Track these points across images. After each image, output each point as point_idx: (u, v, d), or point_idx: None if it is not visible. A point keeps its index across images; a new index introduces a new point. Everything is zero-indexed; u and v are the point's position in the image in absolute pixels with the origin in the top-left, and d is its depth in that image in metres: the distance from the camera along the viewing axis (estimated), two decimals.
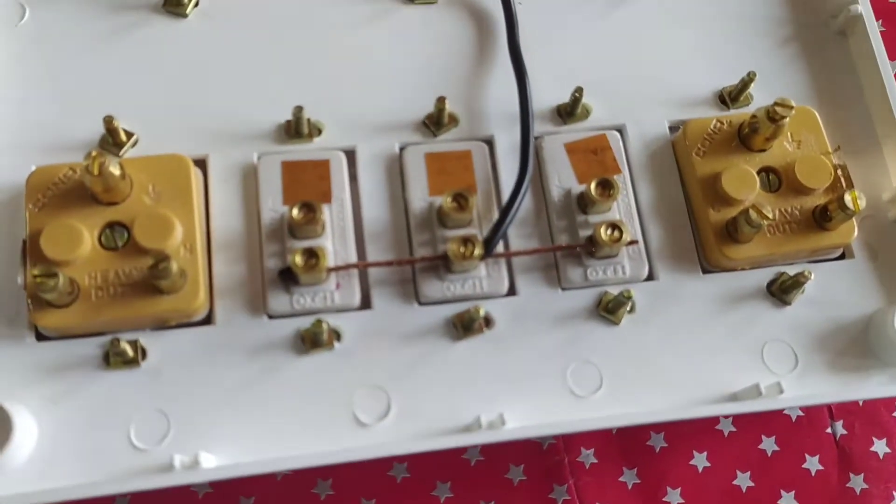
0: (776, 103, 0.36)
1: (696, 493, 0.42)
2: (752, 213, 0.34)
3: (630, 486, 0.42)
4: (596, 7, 0.41)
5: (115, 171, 0.33)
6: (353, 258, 0.35)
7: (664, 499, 0.42)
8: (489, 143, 0.38)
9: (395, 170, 0.38)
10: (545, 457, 0.42)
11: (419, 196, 0.37)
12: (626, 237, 0.35)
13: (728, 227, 0.36)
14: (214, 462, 0.32)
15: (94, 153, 0.32)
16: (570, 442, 0.43)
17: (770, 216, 0.35)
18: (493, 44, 0.40)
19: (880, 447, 0.44)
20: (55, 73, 0.38)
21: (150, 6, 0.39)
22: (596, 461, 0.42)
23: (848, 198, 0.35)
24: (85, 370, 0.33)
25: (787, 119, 0.36)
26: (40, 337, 0.34)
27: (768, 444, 0.43)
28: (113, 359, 0.33)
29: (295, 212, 0.34)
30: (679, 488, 0.42)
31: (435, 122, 0.38)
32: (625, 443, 0.43)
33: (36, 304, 0.32)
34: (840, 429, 0.44)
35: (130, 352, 0.33)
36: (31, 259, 0.33)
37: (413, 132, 0.38)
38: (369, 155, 0.38)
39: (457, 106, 0.38)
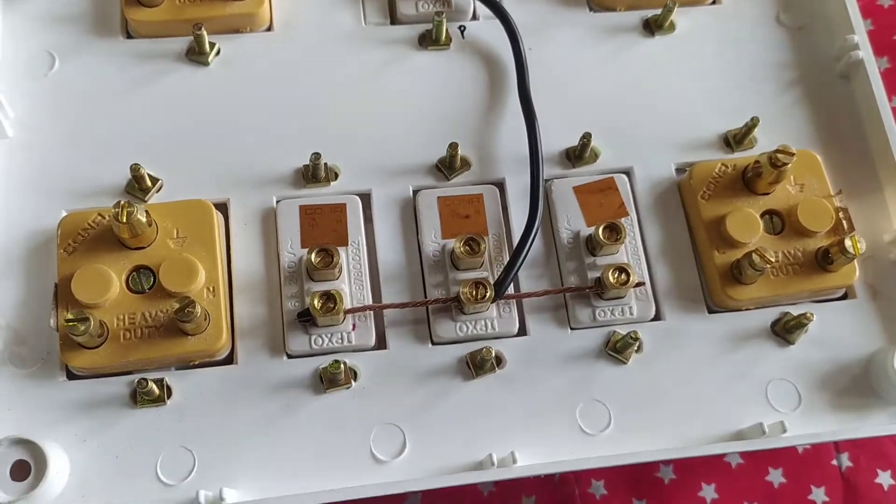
0: (778, 150, 0.37)
1: None
2: (756, 258, 0.35)
3: None
4: (604, 53, 0.43)
5: (142, 217, 0.34)
6: (369, 300, 0.37)
7: None
8: (500, 186, 0.40)
9: (409, 212, 0.39)
10: (557, 489, 0.43)
11: (432, 238, 0.38)
12: (634, 279, 0.36)
13: (732, 269, 0.37)
14: (237, 497, 0.33)
15: (122, 202, 0.34)
16: (581, 474, 0.44)
17: (773, 260, 0.36)
18: (504, 89, 0.42)
19: (885, 479, 0.44)
20: (83, 121, 0.39)
21: (173, 55, 0.41)
22: (606, 493, 0.43)
23: (848, 242, 0.36)
24: (113, 408, 0.35)
25: (789, 165, 0.37)
26: (71, 376, 0.35)
27: (775, 476, 0.44)
28: (140, 397, 0.34)
29: (313, 257, 0.35)
30: None
31: (447, 166, 0.39)
32: (634, 475, 0.44)
33: (67, 346, 0.34)
34: (846, 461, 0.45)
35: (157, 390, 0.34)
36: (62, 302, 0.34)
37: (426, 175, 0.40)
38: (384, 198, 0.39)
39: (469, 150, 0.40)
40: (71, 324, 0.32)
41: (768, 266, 0.36)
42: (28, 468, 0.33)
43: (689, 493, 0.44)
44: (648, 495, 0.44)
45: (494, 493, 0.43)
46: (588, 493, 0.44)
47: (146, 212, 0.35)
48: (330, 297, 0.35)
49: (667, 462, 0.44)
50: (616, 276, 0.36)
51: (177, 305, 0.33)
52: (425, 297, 0.37)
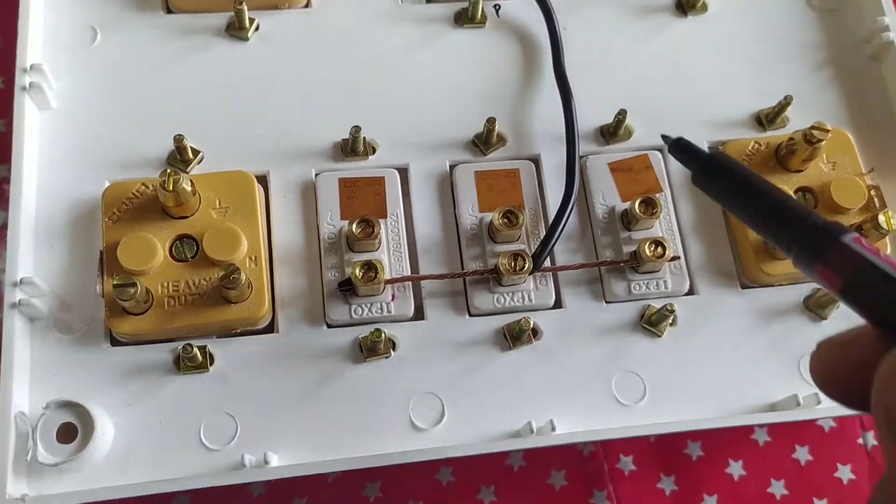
0: (813, 127, 0.37)
1: (732, 500, 0.43)
2: None
3: (668, 493, 0.44)
4: (637, 32, 0.43)
5: (187, 186, 0.35)
6: (408, 271, 0.37)
7: None
8: (535, 161, 0.40)
9: (446, 187, 0.39)
10: (586, 463, 0.44)
11: (469, 212, 0.38)
12: (669, 253, 0.37)
13: (766, 245, 0.38)
14: (281, 461, 0.34)
15: (168, 170, 0.34)
16: (609, 449, 0.44)
17: None
18: (539, 67, 0.42)
19: None
20: (124, 94, 0.40)
21: (213, 30, 0.41)
22: (635, 468, 0.44)
23: (882, 218, 0.36)
24: (157, 374, 0.35)
25: (824, 142, 0.37)
26: (115, 342, 0.36)
27: (802, 454, 0.44)
28: (184, 363, 0.35)
29: (354, 227, 0.36)
30: (715, 495, 0.43)
31: (484, 142, 0.40)
32: (662, 451, 0.44)
33: (113, 312, 0.34)
34: (871, 439, 0.45)
35: (200, 357, 0.35)
36: (108, 269, 0.35)
37: (462, 151, 0.40)
38: (421, 172, 0.40)
39: (504, 126, 0.40)
40: (119, 288, 0.33)
41: None
42: (74, 431, 0.33)
43: (717, 470, 0.44)
44: (676, 471, 0.44)
45: (525, 467, 0.44)
46: (616, 468, 0.44)
47: (191, 181, 0.35)
48: (371, 267, 0.35)
49: (695, 438, 0.45)
50: (652, 249, 0.36)
51: (222, 272, 0.33)
52: (462, 269, 0.38)
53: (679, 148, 0.28)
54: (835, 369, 0.21)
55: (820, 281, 0.22)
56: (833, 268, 0.21)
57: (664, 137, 0.31)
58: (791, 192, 0.38)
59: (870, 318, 0.20)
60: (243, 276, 0.34)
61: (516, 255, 0.36)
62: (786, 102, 0.40)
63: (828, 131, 0.37)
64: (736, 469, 0.44)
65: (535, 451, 0.44)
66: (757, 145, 0.39)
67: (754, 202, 0.25)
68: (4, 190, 0.47)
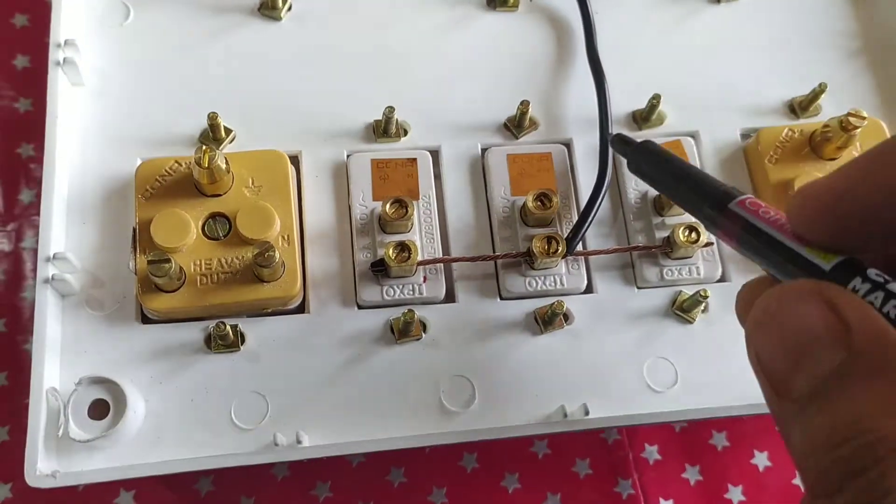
0: (850, 114, 0.37)
1: (757, 491, 0.43)
2: None
3: (692, 483, 0.43)
4: (671, 17, 0.43)
5: (222, 164, 0.35)
6: (440, 253, 0.37)
7: (725, 496, 0.43)
8: (567, 146, 0.40)
9: (478, 170, 0.39)
10: (610, 452, 0.44)
11: (502, 195, 0.38)
12: (703, 239, 0.36)
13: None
14: (313, 441, 0.33)
15: (204, 147, 0.34)
16: (634, 438, 0.44)
17: None
18: (571, 51, 0.42)
19: None
20: (156, 72, 0.40)
21: (246, 9, 0.41)
22: (660, 458, 0.44)
23: None
24: (188, 353, 0.35)
25: (860, 129, 0.37)
26: (146, 320, 0.36)
27: None
28: (215, 342, 0.35)
29: (388, 207, 0.36)
30: (740, 486, 0.43)
31: (516, 125, 0.40)
32: (688, 440, 0.44)
33: (146, 288, 0.34)
34: None
35: (232, 335, 0.35)
36: (141, 246, 0.35)
37: (494, 134, 0.40)
38: (452, 155, 0.39)
39: (536, 110, 0.40)
40: (154, 264, 0.33)
41: None
42: (106, 408, 0.33)
43: (742, 460, 0.44)
44: (701, 461, 0.44)
45: (549, 454, 0.43)
46: (641, 457, 0.44)
47: (225, 159, 0.35)
48: (404, 248, 0.35)
49: (720, 428, 0.44)
50: (686, 234, 0.36)
51: (256, 250, 0.33)
52: (494, 252, 0.37)
53: (617, 140, 0.32)
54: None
55: (724, 241, 0.25)
56: (727, 230, 0.24)
57: (607, 134, 0.37)
58: None
59: (762, 267, 0.23)
60: (277, 254, 0.33)
61: (550, 239, 0.36)
62: (820, 90, 0.40)
63: (864, 118, 0.37)
64: (761, 460, 0.44)
65: (560, 439, 0.43)
66: (791, 132, 0.39)
67: (676, 179, 0.28)
68: (31, 169, 0.47)
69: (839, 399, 0.18)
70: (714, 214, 0.25)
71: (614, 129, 0.39)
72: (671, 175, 0.28)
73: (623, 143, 0.31)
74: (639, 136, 0.40)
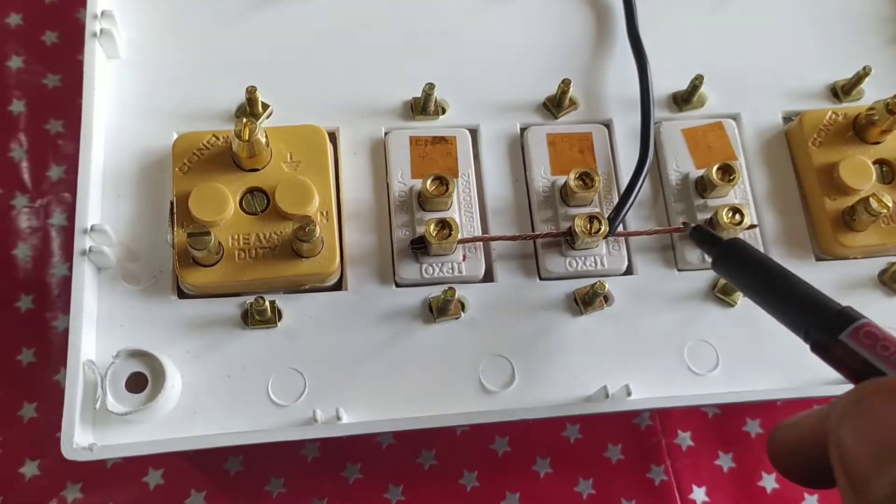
0: None
1: None
2: (873, 202, 0.35)
3: (725, 470, 0.43)
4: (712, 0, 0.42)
5: (262, 137, 0.34)
6: (479, 232, 0.37)
7: (759, 483, 0.43)
8: (608, 126, 0.39)
9: (516, 149, 0.39)
10: (643, 438, 0.43)
11: (542, 174, 0.38)
12: (747, 221, 0.36)
13: (844, 216, 0.37)
14: (352, 418, 0.33)
15: (245, 120, 0.34)
16: (667, 424, 0.43)
17: (889, 205, 0.35)
18: (610, 31, 0.41)
19: None
20: (193, 46, 0.39)
21: None
22: (692, 444, 0.43)
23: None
24: (225, 328, 0.35)
25: None
26: (182, 295, 0.35)
27: None
28: (252, 317, 0.34)
29: (428, 184, 0.35)
30: (774, 474, 0.43)
31: (556, 104, 0.39)
32: (721, 427, 0.44)
33: (184, 262, 0.34)
34: None
35: (269, 311, 0.34)
36: (179, 219, 0.34)
37: (533, 113, 0.39)
38: (491, 134, 0.39)
39: (576, 89, 0.40)
40: (194, 237, 0.32)
41: (885, 211, 0.35)
42: (143, 381, 0.33)
43: None
44: (734, 448, 0.43)
45: (581, 439, 0.43)
46: (674, 443, 0.43)
47: (265, 132, 0.35)
48: (445, 225, 0.35)
49: (754, 416, 0.44)
50: (730, 216, 0.36)
51: (297, 224, 0.33)
52: (534, 232, 0.37)
53: (699, 234, 0.30)
54: (790, 443, 0.22)
55: (830, 366, 0.23)
56: (840, 364, 0.22)
57: (685, 224, 0.34)
58: (870, 164, 0.37)
59: None
60: (318, 229, 0.33)
61: (592, 218, 0.35)
62: (864, 73, 0.40)
63: None
64: None
65: (592, 424, 0.43)
66: (834, 115, 0.39)
67: (771, 286, 0.26)
68: (59, 146, 0.46)
69: None
70: (825, 340, 0.23)
71: (656, 113, 0.39)
72: (767, 280, 0.26)
73: (706, 239, 0.29)
74: (679, 117, 0.39)
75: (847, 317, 0.22)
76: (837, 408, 0.19)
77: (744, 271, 0.27)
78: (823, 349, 0.23)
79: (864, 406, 0.19)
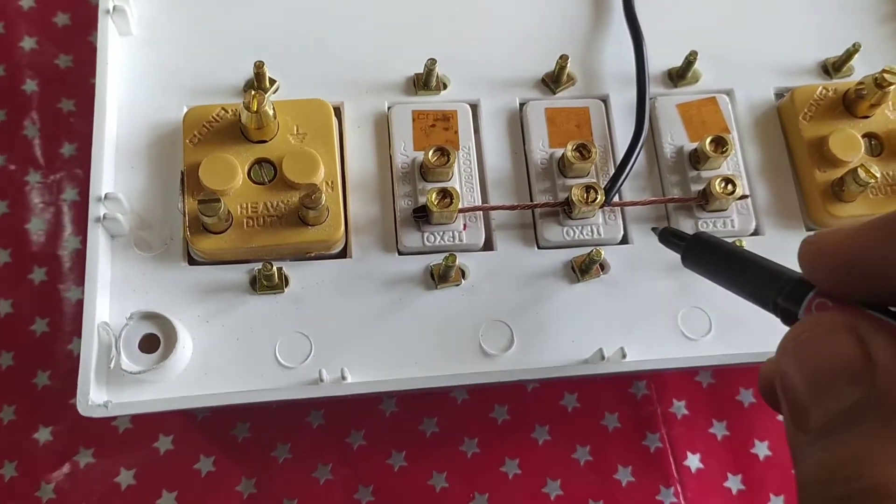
0: (885, 70, 0.38)
1: (783, 446, 0.44)
2: (861, 172, 0.36)
3: (720, 438, 0.44)
4: None
5: (269, 110, 0.35)
6: (479, 202, 0.38)
7: (752, 451, 0.44)
8: (604, 101, 0.40)
9: (515, 124, 0.40)
10: (639, 406, 0.44)
11: (540, 147, 0.39)
12: (739, 191, 0.37)
13: (833, 187, 0.38)
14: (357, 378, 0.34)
15: (253, 92, 0.35)
16: (662, 393, 0.45)
17: (877, 175, 0.37)
18: (608, 9, 0.43)
19: None
20: (202, 22, 0.40)
21: None
22: (687, 413, 0.44)
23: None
24: (233, 293, 0.36)
25: (894, 86, 0.38)
26: (192, 262, 0.36)
27: None
28: (260, 282, 0.36)
29: (430, 155, 0.36)
30: (766, 441, 0.44)
31: (554, 80, 0.40)
32: (715, 397, 0.45)
33: (194, 228, 0.35)
34: None
35: (277, 277, 0.35)
36: (189, 189, 0.35)
37: (532, 89, 0.41)
38: (491, 109, 0.40)
39: (573, 66, 0.41)
40: (204, 204, 0.33)
41: (873, 181, 0.36)
42: (156, 342, 0.34)
43: (769, 417, 0.45)
44: (728, 417, 0.44)
45: (578, 408, 0.44)
46: (669, 412, 0.44)
47: (272, 105, 0.36)
48: (447, 194, 0.36)
49: (747, 385, 0.45)
50: (723, 186, 0.37)
51: (303, 192, 0.34)
52: (532, 202, 0.38)
53: (666, 235, 0.32)
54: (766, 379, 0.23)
55: None
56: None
57: (653, 229, 0.35)
58: (858, 137, 0.39)
59: None
60: (323, 196, 0.34)
61: (588, 188, 0.36)
62: (854, 49, 0.41)
63: None
64: None
65: (589, 393, 0.44)
66: (825, 90, 0.40)
67: (736, 269, 0.27)
68: (71, 124, 0.47)
69: (847, 438, 0.18)
70: (790, 309, 0.23)
71: (651, 88, 0.40)
72: (733, 267, 0.27)
73: (674, 237, 0.31)
74: (673, 92, 0.41)
75: (806, 283, 0.23)
76: (781, 344, 0.20)
77: (709, 260, 0.29)
78: (791, 318, 0.23)
79: (803, 340, 0.20)
